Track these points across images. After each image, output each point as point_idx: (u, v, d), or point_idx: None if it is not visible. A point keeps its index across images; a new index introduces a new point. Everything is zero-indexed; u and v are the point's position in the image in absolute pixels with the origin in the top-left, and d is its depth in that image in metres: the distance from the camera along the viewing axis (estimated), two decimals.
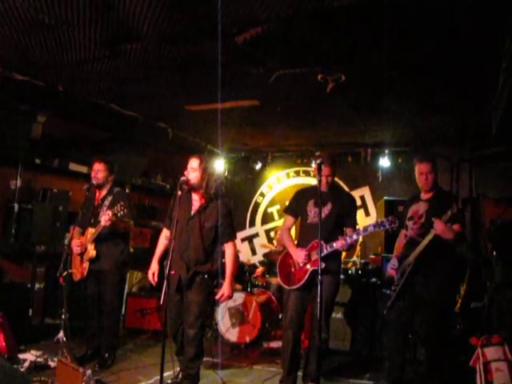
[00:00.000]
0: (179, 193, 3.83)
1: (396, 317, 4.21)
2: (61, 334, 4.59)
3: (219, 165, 8.18)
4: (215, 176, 4.11)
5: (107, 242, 4.68)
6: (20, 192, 5.68)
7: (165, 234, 4.18)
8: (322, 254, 3.88)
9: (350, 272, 5.88)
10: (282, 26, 3.50)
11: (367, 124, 6.15)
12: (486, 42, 3.64)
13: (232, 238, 4.08)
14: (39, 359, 4.39)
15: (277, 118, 6.01)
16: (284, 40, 3.76)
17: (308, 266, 4.11)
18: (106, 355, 4.69)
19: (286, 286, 4.28)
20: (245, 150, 8.14)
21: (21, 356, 4.45)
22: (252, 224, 8.32)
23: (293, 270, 4.24)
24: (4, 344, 4.32)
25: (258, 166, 8.09)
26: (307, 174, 7.95)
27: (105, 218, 4.36)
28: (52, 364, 4.33)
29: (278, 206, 8.13)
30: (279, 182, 8.19)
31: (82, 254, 4.69)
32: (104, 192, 4.86)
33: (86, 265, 4.67)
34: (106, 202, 4.75)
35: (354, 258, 6.77)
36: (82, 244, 4.67)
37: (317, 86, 4.66)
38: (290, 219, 4.49)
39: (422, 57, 4.04)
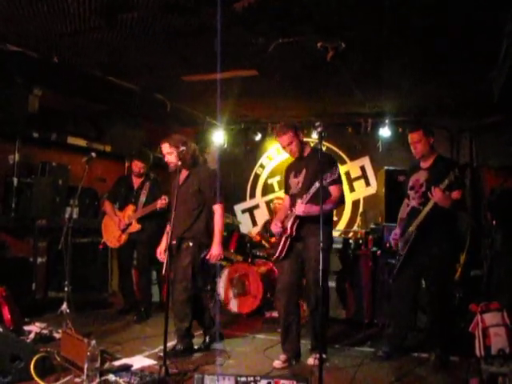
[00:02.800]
0: (179, 163, 3.86)
1: (401, 285, 4.28)
2: (64, 306, 4.66)
3: (218, 136, 8.13)
4: (193, 148, 4.31)
5: (145, 218, 5.47)
6: (19, 166, 5.68)
7: None
8: (293, 216, 4.02)
9: (350, 241, 5.91)
10: None
11: (367, 94, 6.09)
12: (488, 7, 3.58)
13: (217, 200, 4.28)
14: (44, 331, 4.44)
15: (276, 88, 5.94)
16: (283, 7, 3.69)
17: (284, 235, 4.13)
18: (142, 309, 5.52)
19: (272, 258, 4.48)
20: (244, 122, 8.07)
21: (26, 328, 4.50)
22: (252, 195, 8.32)
23: (276, 241, 4.37)
24: (9, 317, 4.36)
25: (258, 137, 8.01)
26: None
27: (161, 202, 5.05)
28: (57, 335, 4.37)
29: (278, 178, 8.11)
30: (279, 154, 8.15)
31: (126, 226, 5.54)
32: (142, 177, 5.74)
33: (126, 236, 5.53)
34: (146, 187, 5.65)
35: (355, 228, 6.80)
36: (129, 217, 5.52)
37: (317, 55, 4.59)
38: (286, 198, 4.52)
39: (423, 25, 3.97)
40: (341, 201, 4.19)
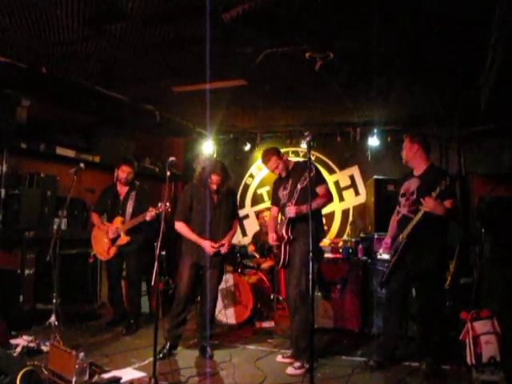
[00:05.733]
0: (168, 173, 3.84)
1: (390, 293, 4.29)
2: (52, 319, 4.60)
3: (207, 147, 8.13)
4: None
5: (134, 229, 5.38)
6: (6, 177, 5.61)
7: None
8: (285, 222, 4.25)
9: (340, 250, 5.91)
10: (269, 3, 3.45)
11: (356, 103, 6.13)
12: (474, 17, 3.62)
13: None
14: (31, 344, 4.35)
15: (265, 98, 5.97)
16: (271, 17, 3.70)
17: (282, 243, 4.33)
18: (132, 321, 5.45)
19: (277, 267, 4.69)
20: (233, 132, 8.08)
21: (12, 341, 4.43)
22: (242, 206, 8.29)
23: (275, 251, 4.50)
24: None
25: (247, 147, 8.05)
26: (296, 154, 7.94)
27: (150, 214, 5.03)
28: (44, 348, 4.30)
29: (267, 188, 8.11)
30: None
31: (113, 239, 5.42)
32: (128, 185, 5.59)
33: (115, 248, 5.41)
34: (132, 196, 5.53)
35: (345, 237, 6.81)
36: (117, 230, 5.37)
37: (305, 65, 4.62)
38: (273, 208, 4.74)
39: (411, 33, 4.01)
40: (328, 199, 4.39)
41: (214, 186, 4.52)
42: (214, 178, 4.49)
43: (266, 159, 4.54)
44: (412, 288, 4.37)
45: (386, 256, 4.45)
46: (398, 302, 4.26)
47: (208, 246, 4.49)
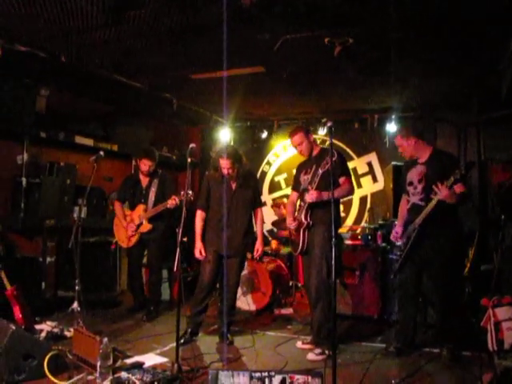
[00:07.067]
0: (188, 160, 3.85)
1: (405, 281, 4.26)
2: (75, 305, 4.67)
3: (224, 134, 8.13)
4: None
5: (156, 217, 5.44)
6: (27, 166, 5.67)
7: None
8: (305, 207, 4.22)
9: (359, 237, 5.90)
10: None
11: (374, 89, 6.08)
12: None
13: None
14: (55, 329, 4.44)
15: (282, 85, 5.94)
16: (290, 2, 3.68)
17: (301, 228, 4.30)
18: (152, 308, 5.52)
19: (295, 253, 4.60)
20: (250, 119, 8.07)
21: (37, 327, 4.51)
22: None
23: (293, 237, 4.49)
24: (20, 316, 4.40)
25: (264, 134, 8.03)
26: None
27: (171, 202, 5.05)
28: (68, 334, 4.39)
29: (284, 175, 8.11)
30: (285, 151, 8.15)
31: (137, 226, 5.50)
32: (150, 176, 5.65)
33: (137, 236, 5.51)
34: (154, 184, 5.61)
35: (363, 224, 6.79)
36: (140, 217, 5.45)
37: (324, 51, 4.59)
38: (293, 194, 4.70)
39: (430, 18, 3.96)
40: (349, 191, 4.36)
41: (225, 171, 4.46)
42: (222, 162, 4.44)
43: (292, 133, 4.48)
44: (426, 275, 4.34)
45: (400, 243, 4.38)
46: (412, 289, 4.24)
47: (197, 252, 4.55)
